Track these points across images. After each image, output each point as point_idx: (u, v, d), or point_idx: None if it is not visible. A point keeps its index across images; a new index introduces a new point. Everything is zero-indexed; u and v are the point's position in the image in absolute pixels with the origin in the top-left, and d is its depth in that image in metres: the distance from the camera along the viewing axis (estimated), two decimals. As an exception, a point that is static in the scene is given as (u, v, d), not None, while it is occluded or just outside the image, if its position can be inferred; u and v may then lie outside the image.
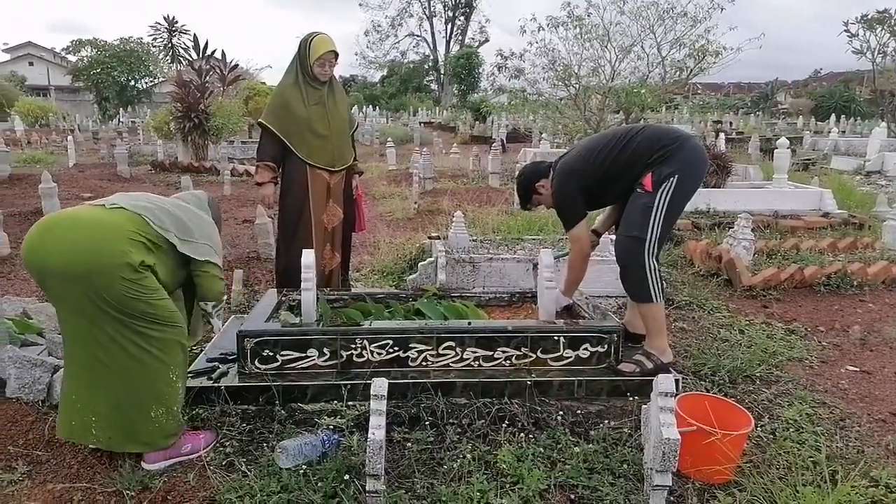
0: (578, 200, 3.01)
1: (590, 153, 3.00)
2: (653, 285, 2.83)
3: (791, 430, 2.66)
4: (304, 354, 2.77)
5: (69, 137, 14.13)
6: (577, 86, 10.21)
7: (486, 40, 45.52)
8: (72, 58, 32.40)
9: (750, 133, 17.92)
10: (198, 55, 13.51)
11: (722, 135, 15.05)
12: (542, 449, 2.42)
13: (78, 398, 2.25)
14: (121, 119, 27.64)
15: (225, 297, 2.56)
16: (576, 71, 10.24)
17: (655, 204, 2.79)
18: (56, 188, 6.79)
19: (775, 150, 8.16)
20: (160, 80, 31.13)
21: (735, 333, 3.80)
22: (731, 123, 23.40)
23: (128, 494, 2.16)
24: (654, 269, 2.84)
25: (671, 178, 2.79)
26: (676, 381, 2.50)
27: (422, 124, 24.76)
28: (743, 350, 3.48)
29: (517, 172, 3.41)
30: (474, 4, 44.44)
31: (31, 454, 2.39)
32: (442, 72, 44.10)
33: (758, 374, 3.21)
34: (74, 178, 10.17)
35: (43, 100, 29.94)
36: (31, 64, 44.68)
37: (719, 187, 7.43)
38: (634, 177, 2.88)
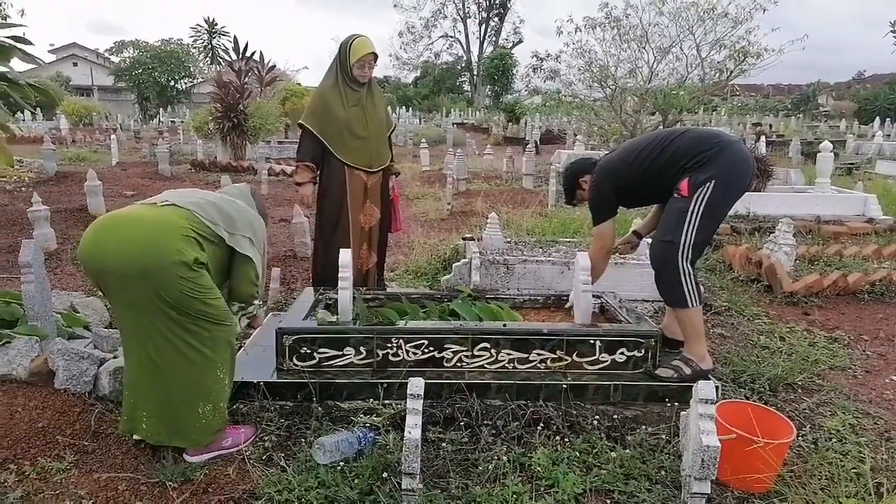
0: (611, 199, 3.08)
1: (629, 154, 3.01)
2: (688, 290, 2.80)
3: (833, 440, 2.60)
4: (340, 352, 2.81)
5: (112, 136, 14.51)
6: (614, 87, 10.11)
7: (520, 41, 45.50)
8: (114, 59, 33.31)
9: (790, 136, 17.53)
10: (238, 56, 13.74)
11: (763, 138, 14.76)
12: (577, 453, 2.41)
13: (131, 393, 2.33)
14: (161, 119, 28.27)
15: (257, 302, 2.58)
16: (612, 72, 10.14)
17: (690, 209, 2.76)
18: (101, 186, 7.01)
19: (818, 154, 7.96)
20: (199, 80, 31.78)
21: (775, 340, 3.72)
22: (770, 126, 22.93)
23: (170, 485, 2.21)
24: (689, 274, 2.80)
25: (708, 183, 2.75)
26: (716, 387, 2.46)
27: (455, 125, 24.80)
28: (783, 358, 3.41)
29: (564, 168, 3.47)
30: (509, 5, 44.37)
31: (79, 444, 2.47)
32: (475, 73, 44.12)
33: (799, 383, 3.14)
34: (117, 177, 10.45)
35: (86, 99, 30.80)
36: (75, 64, 45.92)
37: (759, 191, 7.29)
38: (671, 180, 2.86)
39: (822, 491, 2.20)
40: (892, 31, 20.22)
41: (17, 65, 3.16)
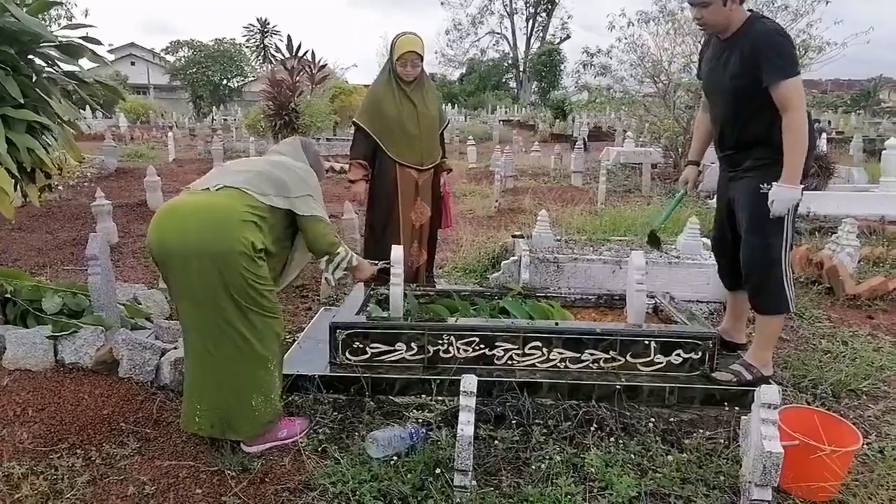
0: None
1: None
2: (789, 293, 2.64)
3: (902, 449, 2.50)
4: (392, 348, 2.83)
5: (169, 134, 14.97)
6: (667, 82, 9.88)
7: (568, 37, 44.94)
8: (170, 58, 34.31)
9: (850, 133, 16.84)
10: (290, 55, 13.96)
11: (824, 134, 14.22)
12: (631, 455, 2.37)
13: (187, 386, 2.40)
14: (214, 117, 29.00)
15: (340, 250, 2.54)
16: (666, 67, 9.91)
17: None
18: (160, 182, 7.24)
19: (884, 152, 7.65)
20: (251, 79, 32.46)
21: (838, 345, 3.59)
22: (829, 122, 22.08)
23: (229, 474, 2.27)
24: (790, 276, 2.65)
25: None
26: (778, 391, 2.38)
27: (500, 122, 24.69)
28: (847, 363, 3.28)
29: None
30: (556, 0, 43.90)
31: (141, 431, 2.56)
32: (521, 69, 43.84)
33: (864, 389, 3.03)
34: (174, 173, 10.77)
35: (143, 98, 31.81)
36: (132, 64, 47.43)
37: (820, 190, 7.03)
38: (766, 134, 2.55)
39: (890, 501, 2.11)
40: (963, 23, 19.21)
41: (82, 63, 3.29)
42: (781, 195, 2.49)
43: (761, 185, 2.58)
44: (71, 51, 3.15)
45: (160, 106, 31.19)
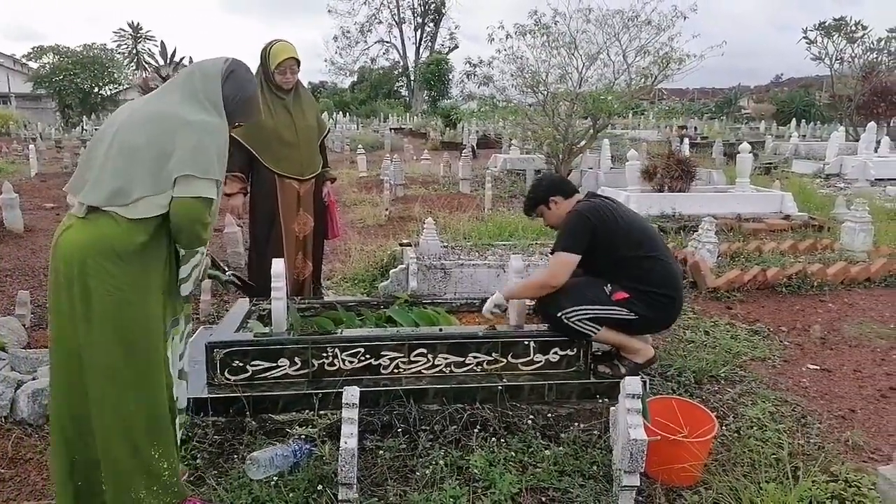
0: (586, 239, 2.81)
1: (625, 229, 2.85)
2: (585, 330, 2.79)
3: (755, 428, 2.74)
4: (274, 364, 2.76)
5: (31, 146, 13.81)
6: (546, 92, 10.30)
7: (456, 47, 45.71)
8: (33, 65, 31.72)
9: (714, 137, 18.31)
10: (165, 62, 13.27)
11: (686, 140, 15.39)
12: (513, 453, 2.46)
13: None
14: (84, 127, 27.07)
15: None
16: (544, 78, 10.33)
17: (608, 309, 2.77)
18: (18, 199, 6.67)
19: (738, 155, 8.36)
20: (125, 86, 30.61)
21: (700, 334, 3.88)
22: (695, 128, 23.88)
23: (95, 510, 2.12)
24: (578, 320, 2.79)
25: (634, 309, 2.76)
26: (644, 382, 2.55)
27: (392, 130, 24.74)
28: (708, 351, 3.56)
29: (538, 177, 3.19)
30: (443, 11, 44.63)
31: (-6, 472, 2.35)
32: (412, 78, 44.16)
33: (722, 375, 3.29)
34: (37, 189, 9.96)
35: (2, 107, 29.18)
36: (-11, 71, 43.52)
37: (684, 192, 7.58)
38: (619, 272, 2.82)
39: (744, 477, 2.30)
40: (804, 38, 21.45)
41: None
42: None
43: (607, 286, 2.81)
44: None
45: (23, 116, 28.74)
